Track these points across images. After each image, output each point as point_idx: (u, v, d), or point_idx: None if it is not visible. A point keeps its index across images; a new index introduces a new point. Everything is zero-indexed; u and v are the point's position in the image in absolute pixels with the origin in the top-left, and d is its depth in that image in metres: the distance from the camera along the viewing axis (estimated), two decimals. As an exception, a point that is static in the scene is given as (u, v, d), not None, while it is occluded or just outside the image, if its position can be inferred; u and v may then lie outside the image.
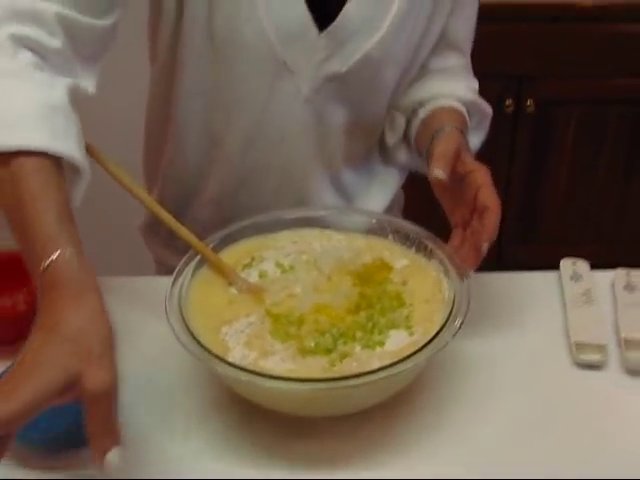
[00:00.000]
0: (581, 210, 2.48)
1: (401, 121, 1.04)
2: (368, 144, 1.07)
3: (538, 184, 2.38)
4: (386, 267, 0.83)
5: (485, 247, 0.78)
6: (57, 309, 0.60)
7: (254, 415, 0.74)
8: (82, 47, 0.79)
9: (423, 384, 0.79)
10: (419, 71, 1.03)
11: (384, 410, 0.74)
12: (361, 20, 0.91)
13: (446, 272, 0.78)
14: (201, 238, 0.84)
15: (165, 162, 1.05)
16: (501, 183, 2.43)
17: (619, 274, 0.96)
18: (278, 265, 0.84)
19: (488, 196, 0.79)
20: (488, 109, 1.07)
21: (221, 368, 0.66)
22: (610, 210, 2.48)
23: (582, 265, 0.98)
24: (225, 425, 0.75)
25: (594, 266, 0.98)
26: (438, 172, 0.79)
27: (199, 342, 0.68)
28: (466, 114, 1.01)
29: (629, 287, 0.94)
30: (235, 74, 0.92)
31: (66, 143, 0.68)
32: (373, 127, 1.05)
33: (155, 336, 0.82)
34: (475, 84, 1.08)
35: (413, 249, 0.84)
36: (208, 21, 0.88)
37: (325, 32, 0.90)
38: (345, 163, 1.05)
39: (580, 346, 0.84)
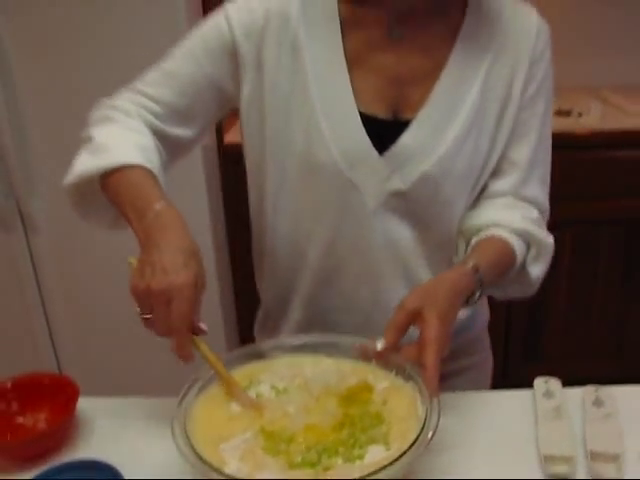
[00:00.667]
0: (582, 328, 2.54)
1: (462, 246, 1.12)
2: (442, 255, 1.13)
3: (539, 304, 2.46)
4: (368, 389, 0.92)
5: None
6: (166, 235, 0.90)
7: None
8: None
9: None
10: (479, 193, 1.12)
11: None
12: (417, 145, 1.04)
13: (421, 392, 0.87)
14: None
15: (265, 272, 1.21)
16: (503, 303, 2.52)
17: (588, 390, 1.04)
18: (273, 387, 0.93)
19: (427, 356, 0.86)
20: (547, 239, 1.11)
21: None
22: (610, 326, 2.54)
23: (554, 383, 1.06)
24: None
25: (594, 381, 1.06)
26: (377, 344, 0.91)
27: (199, 456, 0.77)
28: (516, 246, 1.07)
29: (597, 402, 1.02)
30: (312, 191, 1.08)
31: (154, 164, 1.01)
32: (442, 240, 1.12)
33: (162, 448, 0.91)
34: (533, 213, 1.11)
35: (393, 372, 0.93)
36: (288, 148, 1.06)
37: (384, 155, 1.05)
38: (420, 271, 1.12)
39: (549, 458, 0.91)
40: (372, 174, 1.05)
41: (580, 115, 2.44)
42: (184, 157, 1.16)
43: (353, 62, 1.05)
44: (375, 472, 0.74)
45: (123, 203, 0.97)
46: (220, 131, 2.30)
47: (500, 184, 1.11)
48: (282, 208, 1.12)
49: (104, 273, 2.23)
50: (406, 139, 1.04)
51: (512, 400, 1.05)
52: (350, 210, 1.08)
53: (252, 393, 0.93)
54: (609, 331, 2.55)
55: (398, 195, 1.06)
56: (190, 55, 1.08)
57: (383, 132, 1.05)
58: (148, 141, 1.05)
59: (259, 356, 1.00)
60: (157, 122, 1.08)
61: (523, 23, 1.08)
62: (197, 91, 1.08)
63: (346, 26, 1.05)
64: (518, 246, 1.08)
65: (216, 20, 1.07)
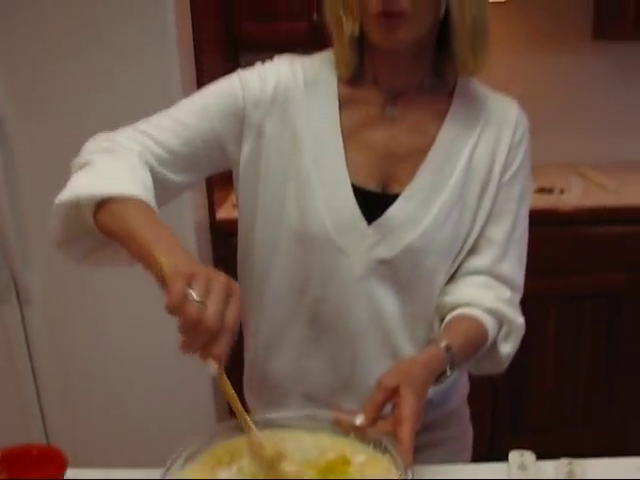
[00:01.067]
0: (568, 400, 2.55)
1: (437, 322, 1.17)
2: (423, 329, 1.17)
3: (525, 376, 2.48)
4: (345, 462, 0.94)
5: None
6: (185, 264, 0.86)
7: None
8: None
9: None
10: (457, 270, 1.17)
11: None
12: (403, 218, 1.11)
13: (396, 465, 0.90)
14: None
15: (253, 321, 1.24)
16: (489, 376, 2.53)
17: (561, 463, 1.08)
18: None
19: (403, 430, 0.91)
20: (517, 320, 1.16)
21: None
22: (596, 398, 2.56)
23: (529, 456, 1.09)
24: None
25: (580, 454, 1.09)
26: (357, 420, 0.95)
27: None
28: (489, 324, 1.12)
29: (570, 474, 1.05)
30: (302, 255, 1.13)
31: (152, 197, 1.00)
32: (423, 312, 1.16)
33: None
34: (506, 294, 1.16)
35: (371, 445, 0.96)
36: (281, 217, 1.12)
37: (372, 225, 1.11)
38: (401, 342, 1.17)
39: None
40: (360, 242, 1.11)
41: (562, 192, 2.51)
42: (170, 202, 1.16)
43: (348, 137, 1.13)
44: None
45: (134, 227, 0.93)
46: (212, 208, 2.37)
47: (477, 261, 1.17)
48: (274, 263, 1.16)
49: (96, 346, 2.25)
50: (393, 211, 1.11)
51: (487, 473, 1.08)
52: (336, 275, 1.13)
53: (234, 467, 0.95)
54: (595, 403, 2.57)
55: (383, 263, 1.12)
56: (203, 109, 1.12)
57: (372, 203, 1.11)
58: (150, 182, 1.04)
59: (242, 430, 1.02)
60: (158, 166, 1.09)
61: (503, 112, 1.16)
62: (202, 144, 1.12)
63: (343, 104, 1.14)
64: (491, 324, 1.13)
65: (232, 83, 1.14)
